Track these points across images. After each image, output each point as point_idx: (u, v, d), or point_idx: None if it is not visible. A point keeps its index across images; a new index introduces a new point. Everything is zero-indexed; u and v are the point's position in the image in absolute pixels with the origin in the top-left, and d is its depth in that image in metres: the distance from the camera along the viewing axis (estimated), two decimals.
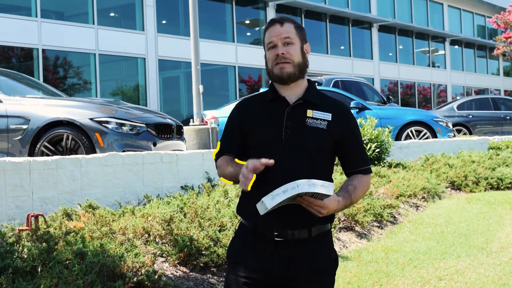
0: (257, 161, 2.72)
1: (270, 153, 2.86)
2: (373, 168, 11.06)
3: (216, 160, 3.12)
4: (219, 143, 3.14)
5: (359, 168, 3.02)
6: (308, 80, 3.06)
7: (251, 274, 2.90)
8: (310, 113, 2.94)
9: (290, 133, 2.89)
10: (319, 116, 2.94)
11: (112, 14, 25.01)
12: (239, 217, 2.97)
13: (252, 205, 2.82)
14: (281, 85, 2.98)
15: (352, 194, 2.92)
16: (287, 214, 2.83)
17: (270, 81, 3.09)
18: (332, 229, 7.36)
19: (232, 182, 3.03)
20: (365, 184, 3.01)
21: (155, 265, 5.47)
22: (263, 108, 3.01)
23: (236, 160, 3.00)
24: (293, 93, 2.98)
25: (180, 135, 10.26)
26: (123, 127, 8.85)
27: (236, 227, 3.12)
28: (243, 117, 3.03)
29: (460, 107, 21.64)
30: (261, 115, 2.98)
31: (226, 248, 5.38)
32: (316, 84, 16.70)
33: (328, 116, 2.95)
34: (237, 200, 3.23)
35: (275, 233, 2.88)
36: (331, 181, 3.01)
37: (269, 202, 2.64)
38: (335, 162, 8.48)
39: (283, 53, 2.93)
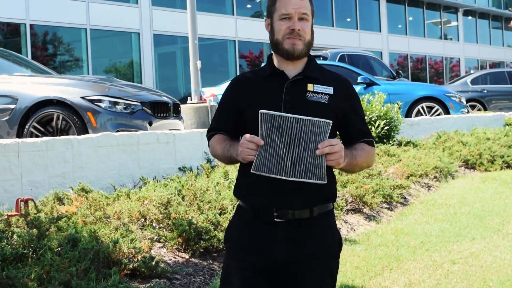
0: (255, 137, 2.73)
1: None
2: (382, 147, 11.06)
3: (208, 139, 3.13)
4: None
5: (361, 139, 3.03)
6: (308, 55, 3.04)
7: (251, 258, 2.91)
8: (310, 87, 2.93)
9: (290, 109, 2.87)
10: (320, 90, 2.93)
11: None
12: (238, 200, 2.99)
13: (250, 185, 2.84)
14: (283, 60, 2.97)
15: (353, 151, 2.92)
16: (287, 193, 2.83)
17: (268, 55, 3.07)
18: (339, 211, 7.37)
19: (224, 162, 3.04)
20: (368, 150, 3.01)
21: (152, 251, 5.48)
22: (260, 83, 2.99)
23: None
24: (293, 67, 2.97)
25: (177, 113, 10.24)
26: (116, 106, 8.83)
27: (234, 210, 3.12)
28: (238, 93, 3.02)
29: (474, 82, 21.58)
30: (258, 91, 2.97)
31: None
32: (321, 58, 16.67)
33: (329, 90, 2.94)
34: None
35: (275, 214, 2.88)
36: None
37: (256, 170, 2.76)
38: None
39: (299, 29, 2.91)
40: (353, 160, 2.89)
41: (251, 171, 2.73)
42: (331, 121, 2.69)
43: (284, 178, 2.68)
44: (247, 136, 2.75)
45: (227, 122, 3.06)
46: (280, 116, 2.65)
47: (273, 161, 2.68)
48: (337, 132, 3.06)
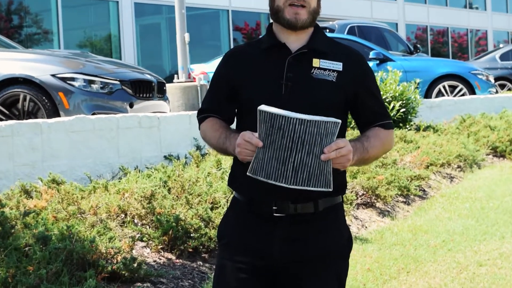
0: (253, 138, 2.72)
1: None
2: (398, 132, 11.06)
3: (199, 121, 3.11)
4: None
5: (376, 123, 3.01)
6: (315, 25, 3.02)
7: (247, 258, 2.91)
8: (316, 62, 2.91)
9: (292, 88, 2.87)
10: (327, 66, 2.91)
11: None
12: (232, 191, 2.99)
13: (247, 175, 2.80)
14: (284, 30, 2.95)
15: (364, 142, 2.89)
16: None
17: (268, 24, 3.05)
18: (349, 206, 7.38)
19: (219, 153, 3.02)
20: (384, 137, 2.99)
21: (133, 251, 5.49)
22: (257, 58, 2.98)
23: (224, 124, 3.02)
24: (296, 39, 2.95)
25: (162, 94, 10.23)
26: (92, 85, 8.82)
27: (229, 203, 3.11)
28: (233, 69, 3.00)
29: (503, 57, 21.56)
30: (256, 67, 2.96)
31: None
32: (328, 31, 16.73)
33: (338, 66, 2.92)
34: None
35: (274, 208, 2.87)
36: None
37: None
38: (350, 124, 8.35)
39: None
40: (364, 154, 2.87)
41: (248, 173, 2.72)
42: (339, 121, 2.66)
43: (284, 185, 2.67)
44: (246, 136, 2.73)
45: (220, 102, 3.05)
46: (281, 116, 2.63)
47: (273, 165, 2.67)
48: (348, 115, 3.05)
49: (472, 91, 15.40)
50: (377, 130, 2.99)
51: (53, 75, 8.70)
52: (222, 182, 6.87)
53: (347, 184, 7.41)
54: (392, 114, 11.45)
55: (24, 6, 22.99)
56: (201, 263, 5.72)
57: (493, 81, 16.36)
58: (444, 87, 15.52)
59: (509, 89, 20.71)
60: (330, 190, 2.70)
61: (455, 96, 15.39)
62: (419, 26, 38.11)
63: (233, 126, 3.07)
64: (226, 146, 2.91)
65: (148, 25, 26.47)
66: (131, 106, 9.16)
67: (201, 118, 3.10)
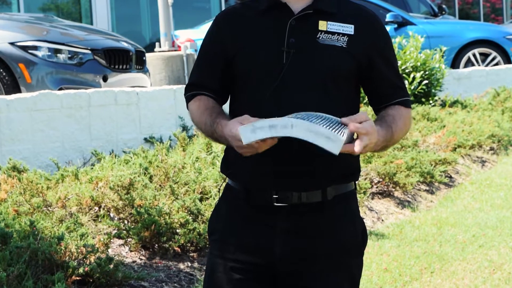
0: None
1: (267, 84, 2.84)
2: (419, 108, 11.06)
3: (187, 99, 3.08)
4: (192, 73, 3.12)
5: (395, 100, 2.98)
6: None
7: (243, 256, 2.91)
8: (323, 25, 2.90)
9: (294, 56, 2.86)
10: (336, 30, 2.90)
11: None
12: (225, 178, 2.97)
13: (243, 159, 2.79)
14: None
15: (391, 123, 2.87)
16: (291, 169, 2.82)
17: None
18: (362, 195, 7.39)
19: (209, 139, 3.01)
20: (406, 117, 2.97)
21: (109, 250, 5.50)
22: (254, 21, 2.97)
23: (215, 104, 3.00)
24: None
25: (141, 65, 10.22)
26: (58, 55, 8.81)
27: (221, 192, 3.10)
28: (226, 34, 2.99)
29: None
30: (252, 31, 2.95)
31: None
32: None
33: (349, 29, 2.91)
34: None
35: (275, 197, 2.87)
36: None
37: (246, 136, 2.59)
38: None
39: None
40: (391, 136, 2.86)
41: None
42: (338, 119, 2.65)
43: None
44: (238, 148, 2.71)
45: (212, 75, 3.02)
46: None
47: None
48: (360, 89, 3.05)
49: (507, 60, 15.39)
50: (398, 108, 2.96)
51: (12, 43, 8.69)
52: (213, 168, 6.87)
53: (361, 169, 7.46)
54: (412, 87, 11.46)
55: None
56: (189, 263, 5.74)
57: None
58: (474, 55, 15.53)
59: None
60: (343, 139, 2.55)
61: (487, 65, 15.38)
62: None
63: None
64: (217, 134, 2.88)
65: None
66: (105, 79, 9.15)
67: (188, 97, 3.07)
